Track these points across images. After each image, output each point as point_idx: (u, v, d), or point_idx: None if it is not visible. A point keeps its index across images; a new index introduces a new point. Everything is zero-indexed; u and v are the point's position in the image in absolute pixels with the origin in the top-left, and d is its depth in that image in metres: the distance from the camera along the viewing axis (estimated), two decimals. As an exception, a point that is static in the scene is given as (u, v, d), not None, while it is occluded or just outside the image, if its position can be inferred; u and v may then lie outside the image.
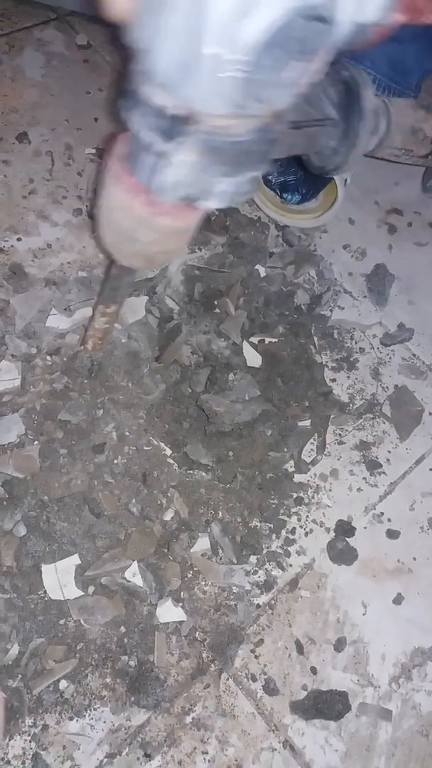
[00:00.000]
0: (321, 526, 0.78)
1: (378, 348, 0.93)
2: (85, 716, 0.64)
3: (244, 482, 0.78)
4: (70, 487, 0.73)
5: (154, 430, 0.79)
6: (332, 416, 0.85)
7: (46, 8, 1.14)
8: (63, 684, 0.64)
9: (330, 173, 0.61)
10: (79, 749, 0.62)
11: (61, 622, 0.67)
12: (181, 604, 0.70)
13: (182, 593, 0.71)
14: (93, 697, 0.65)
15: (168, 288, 0.89)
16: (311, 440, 0.83)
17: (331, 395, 0.87)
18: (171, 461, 0.78)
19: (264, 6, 0.34)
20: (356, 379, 0.89)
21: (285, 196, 0.99)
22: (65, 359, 0.81)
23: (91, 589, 0.69)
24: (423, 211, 1.08)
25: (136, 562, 0.70)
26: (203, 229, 0.97)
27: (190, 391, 0.82)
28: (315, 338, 0.91)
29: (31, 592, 0.68)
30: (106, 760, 0.63)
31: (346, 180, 0.96)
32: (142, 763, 0.63)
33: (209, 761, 0.64)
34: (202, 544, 0.73)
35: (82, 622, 0.67)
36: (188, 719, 0.66)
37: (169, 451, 0.78)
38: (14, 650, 0.65)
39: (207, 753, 0.64)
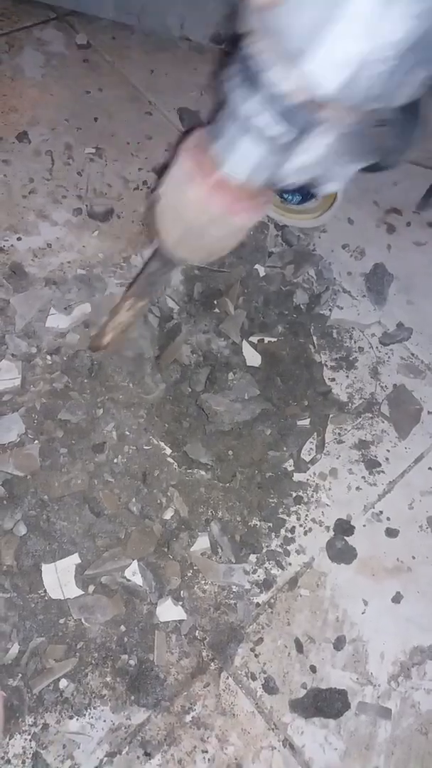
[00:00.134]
0: (320, 525, 0.78)
1: (377, 347, 0.93)
2: (85, 715, 0.64)
3: (243, 481, 0.78)
4: (70, 486, 0.73)
5: (154, 430, 0.79)
6: (331, 415, 0.85)
7: (46, 8, 1.15)
8: (63, 683, 0.65)
9: (381, 170, 0.62)
10: (79, 748, 0.63)
11: (62, 621, 0.67)
12: (180, 603, 0.70)
13: (182, 592, 0.71)
14: (93, 696, 0.65)
15: (168, 288, 0.89)
16: (310, 439, 0.83)
17: (330, 394, 0.87)
18: (171, 460, 0.78)
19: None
20: (355, 378, 0.90)
21: (285, 196, 0.99)
22: (65, 358, 0.81)
23: (91, 588, 0.69)
24: (421, 211, 1.08)
25: (136, 561, 0.70)
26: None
27: (189, 390, 0.82)
28: (314, 338, 0.91)
29: (32, 591, 0.68)
30: (106, 758, 0.63)
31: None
32: (142, 761, 0.63)
33: (209, 760, 0.64)
34: (202, 543, 0.74)
35: (82, 621, 0.67)
36: (188, 718, 0.66)
37: (168, 451, 0.78)
38: (14, 649, 0.65)
39: (207, 752, 0.65)
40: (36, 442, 0.75)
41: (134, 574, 0.70)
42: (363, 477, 0.83)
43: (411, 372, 0.92)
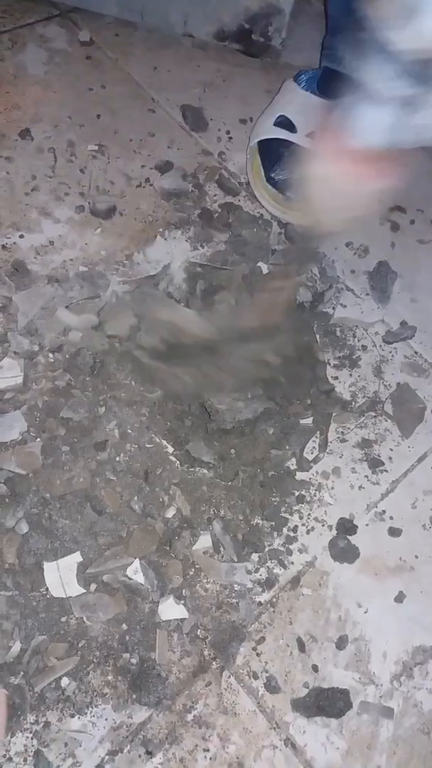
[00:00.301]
0: (323, 524, 0.78)
1: (380, 346, 0.93)
2: (86, 713, 0.64)
3: (245, 480, 0.78)
4: (72, 485, 0.73)
5: (156, 428, 0.79)
6: (334, 414, 0.85)
7: (48, 4, 1.14)
8: (65, 681, 0.65)
9: None
10: (80, 746, 0.63)
11: (63, 619, 0.67)
12: (182, 601, 0.70)
13: (184, 591, 0.71)
14: (94, 694, 0.65)
15: (171, 285, 0.89)
16: (313, 438, 0.83)
17: (333, 393, 0.87)
18: (173, 459, 0.78)
19: None
20: (358, 376, 0.89)
21: (288, 194, 0.99)
22: (67, 356, 0.81)
23: (92, 586, 0.69)
24: (426, 209, 1.08)
25: (137, 559, 0.70)
26: (206, 226, 0.97)
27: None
28: (317, 336, 0.91)
29: (33, 589, 0.68)
30: (107, 757, 0.63)
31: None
32: (144, 760, 0.63)
33: (210, 759, 0.64)
34: (204, 541, 0.73)
35: (83, 619, 0.67)
36: (190, 717, 0.66)
37: (171, 449, 0.78)
38: (16, 647, 0.65)
39: (208, 751, 0.65)
40: (38, 440, 0.75)
41: (136, 573, 0.70)
42: (366, 476, 0.82)
43: (415, 371, 0.91)
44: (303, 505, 0.79)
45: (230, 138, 1.09)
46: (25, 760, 0.61)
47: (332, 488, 0.81)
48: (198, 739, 0.65)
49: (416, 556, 0.78)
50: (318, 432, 0.84)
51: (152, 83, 1.11)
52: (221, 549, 0.74)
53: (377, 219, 1.05)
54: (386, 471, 0.83)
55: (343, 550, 0.76)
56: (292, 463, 0.81)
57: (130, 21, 1.16)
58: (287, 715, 0.67)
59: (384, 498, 0.81)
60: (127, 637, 0.68)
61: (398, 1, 0.42)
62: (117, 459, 0.76)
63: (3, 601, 0.67)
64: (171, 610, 0.69)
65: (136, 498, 0.74)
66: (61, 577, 0.68)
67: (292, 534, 0.77)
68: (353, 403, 0.87)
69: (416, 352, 0.93)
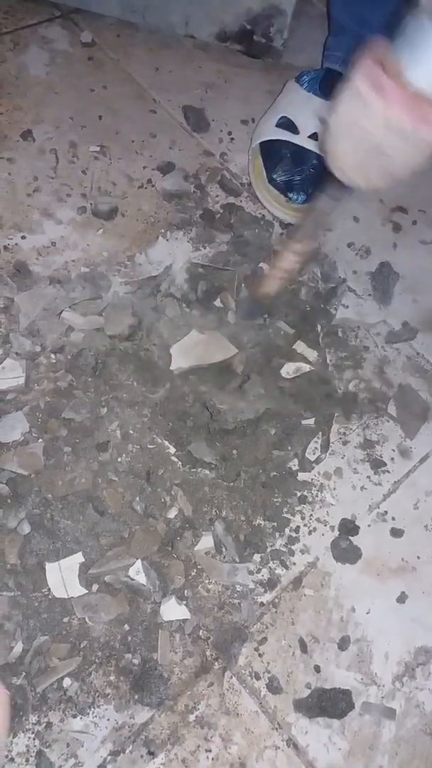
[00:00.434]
0: (325, 525, 0.78)
1: (382, 346, 0.93)
2: (88, 714, 0.64)
3: (247, 480, 0.78)
4: (74, 485, 0.73)
5: (158, 428, 0.79)
6: (336, 415, 0.85)
7: (50, 5, 1.15)
8: (67, 682, 0.65)
9: None
10: (82, 747, 0.63)
11: (65, 619, 0.67)
12: (184, 602, 0.70)
13: (186, 591, 0.71)
14: (97, 694, 0.65)
15: (172, 286, 0.89)
16: (315, 439, 0.83)
17: (335, 394, 0.87)
18: (175, 459, 0.78)
19: None
20: (360, 377, 0.89)
21: (290, 195, 0.99)
22: (69, 357, 0.81)
23: (94, 587, 0.69)
24: (428, 209, 1.08)
25: (139, 560, 0.70)
26: (207, 227, 0.97)
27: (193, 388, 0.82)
28: (320, 336, 0.91)
29: (35, 590, 0.68)
30: (109, 757, 0.63)
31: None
32: (146, 760, 0.63)
33: (213, 759, 0.64)
34: (206, 542, 0.73)
35: (86, 619, 0.67)
36: (192, 717, 0.66)
37: (173, 450, 0.78)
38: (18, 648, 0.65)
39: (210, 751, 0.64)
40: (40, 440, 0.75)
41: (138, 573, 0.70)
42: (368, 477, 0.82)
43: (417, 371, 0.91)
44: (305, 506, 0.79)
45: (232, 139, 1.09)
46: (27, 760, 0.61)
47: (334, 489, 0.81)
48: (200, 739, 0.65)
49: (418, 557, 0.78)
50: (320, 433, 0.84)
51: (154, 84, 1.11)
52: (223, 549, 0.74)
53: (379, 220, 1.05)
54: (388, 471, 0.83)
55: (345, 550, 0.76)
56: (294, 464, 0.81)
57: (131, 22, 1.16)
58: (289, 715, 0.67)
59: (386, 499, 0.81)
60: (129, 638, 0.68)
61: None
62: (119, 460, 0.76)
63: (5, 601, 0.67)
64: (173, 610, 0.69)
65: (138, 498, 0.74)
66: (63, 577, 0.68)
67: (294, 535, 0.77)
68: (355, 403, 0.87)
69: (418, 353, 0.93)
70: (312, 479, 0.81)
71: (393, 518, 0.80)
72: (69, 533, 0.70)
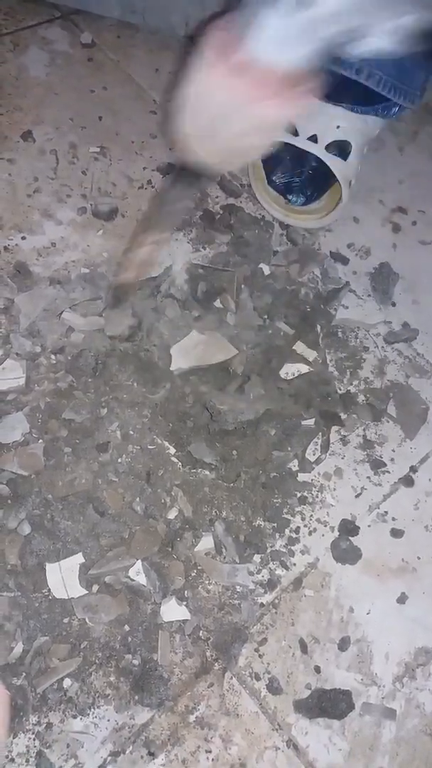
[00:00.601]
0: (325, 525, 0.78)
1: (382, 347, 0.93)
2: (88, 714, 0.64)
3: (248, 481, 0.78)
4: (74, 486, 0.73)
5: (158, 429, 0.79)
6: (336, 415, 0.85)
7: (50, 6, 1.15)
8: (67, 682, 0.65)
9: None
10: (82, 747, 0.63)
11: (65, 620, 0.67)
12: (184, 603, 0.70)
13: (186, 592, 0.71)
14: (97, 695, 0.65)
15: (172, 287, 0.89)
16: (315, 439, 0.83)
17: (334, 394, 0.87)
18: (175, 460, 0.78)
19: None
20: (360, 378, 0.89)
21: (289, 197, 0.99)
22: (69, 358, 0.81)
23: (95, 587, 0.69)
24: (427, 210, 1.08)
25: (140, 560, 0.70)
26: (207, 228, 0.97)
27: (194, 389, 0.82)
28: (320, 337, 0.91)
29: (36, 590, 0.68)
30: (109, 758, 0.63)
31: (350, 182, 0.96)
32: (146, 761, 0.63)
33: (213, 760, 0.64)
34: (206, 543, 0.73)
35: (86, 620, 0.67)
36: (192, 718, 0.66)
37: (173, 450, 0.78)
38: (18, 648, 0.65)
39: (210, 752, 0.64)
40: (40, 441, 0.75)
41: (138, 574, 0.70)
42: (368, 477, 0.82)
43: (417, 372, 0.91)
44: (305, 507, 0.79)
45: (232, 139, 1.09)
46: (27, 761, 0.61)
47: (334, 489, 0.81)
48: (200, 740, 0.65)
49: (418, 557, 0.78)
50: (320, 433, 0.84)
51: (154, 85, 1.11)
52: (223, 550, 0.74)
53: (379, 220, 1.05)
54: (388, 472, 0.83)
55: (345, 551, 0.76)
56: (294, 465, 0.81)
57: (131, 23, 1.16)
58: (289, 716, 0.67)
59: (386, 499, 0.81)
60: (129, 639, 0.68)
61: None
62: (119, 460, 0.76)
63: (5, 602, 0.67)
64: (173, 611, 0.69)
65: (138, 499, 0.74)
66: (63, 578, 0.68)
67: (294, 535, 0.77)
68: (355, 404, 0.87)
69: (418, 353, 0.93)
70: (312, 480, 0.81)
71: (393, 518, 0.80)
72: (69, 534, 0.70)
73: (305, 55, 0.43)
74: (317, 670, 0.70)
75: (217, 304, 0.89)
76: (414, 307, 0.97)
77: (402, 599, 0.75)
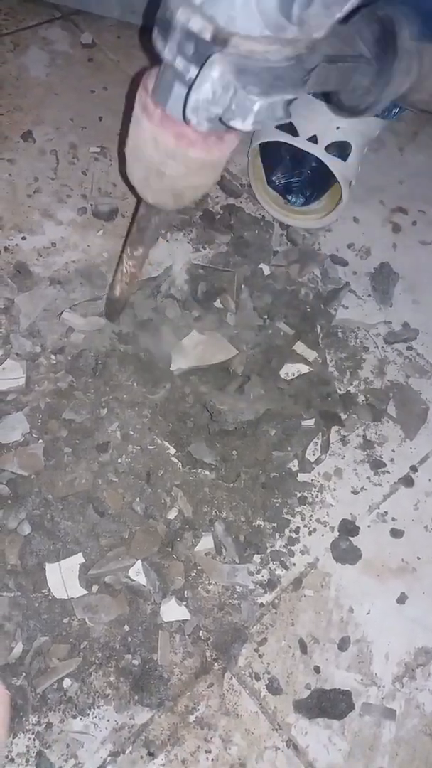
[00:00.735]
0: (325, 526, 0.78)
1: (382, 347, 0.93)
2: (88, 715, 0.64)
3: (247, 481, 0.78)
4: (74, 486, 0.73)
5: (158, 429, 0.79)
6: (336, 415, 0.85)
7: (51, 7, 1.15)
8: (67, 682, 0.65)
9: (362, 113, 0.60)
10: (82, 747, 0.63)
11: (65, 620, 0.67)
12: (184, 603, 0.70)
13: (186, 592, 0.71)
14: (97, 695, 0.65)
15: (172, 287, 0.89)
16: (315, 439, 0.83)
17: (334, 394, 0.87)
18: (175, 460, 0.78)
19: None
20: (360, 378, 0.89)
21: (289, 197, 0.99)
22: (70, 358, 0.81)
23: (94, 587, 0.69)
24: (428, 210, 1.08)
25: (139, 560, 0.70)
26: (207, 228, 0.97)
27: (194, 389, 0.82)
28: (320, 337, 0.91)
29: (35, 590, 0.68)
30: (109, 758, 0.63)
31: (350, 182, 0.96)
32: (146, 761, 0.63)
33: (213, 760, 0.64)
34: (206, 543, 0.73)
35: (86, 620, 0.67)
36: (192, 718, 0.66)
37: (172, 450, 0.78)
38: (18, 648, 0.65)
39: (210, 752, 0.65)
40: (40, 441, 0.75)
41: (138, 574, 0.70)
42: (368, 477, 0.82)
43: (417, 372, 0.91)
44: (305, 507, 0.79)
45: (232, 140, 1.09)
46: (27, 761, 0.61)
47: (334, 489, 0.81)
48: (200, 740, 0.65)
49: (418, 558, 0.78)
50: (320, 433, 0.84)
51: (154, 85, 1.11)
52: (223, 550, 0.74)
53: (379, 220, 1.06)
54: (388, 472, 0.83)
55: (345, 551, 0.76)
56: (294, 465, 0.81)
57: (131, 23, 1.16)
58: (289, 716, 0.67)
59: (386, 499, 0.81)
60: (129, 639, 0.68)
61: None
62: (119, 460, 0.76)
63: (5, 602, 0.67)
64: (173, 611, 0.69)
65: (138, 499, 0.74)
66: (63, 578, 0.68)
67: (294, 535, 0.77)
68: (355, 404, 0.87)
69: (419, 354, 0.93)
70: (312, 480, 0.81)
71: (393, 519, 0.80)
72: (69, 534, 0.70)
73: (210, 121, 0.47)
74: (317, 670, 0.70)
75: (217, 304, 0.90)
76: (414, 308, 0.97)
77: (402, 599, 0.75)
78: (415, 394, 0.89)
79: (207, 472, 0.78)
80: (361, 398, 0.88)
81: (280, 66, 0.44)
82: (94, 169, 0.99)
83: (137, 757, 0.63)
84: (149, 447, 0.78)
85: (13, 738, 0.62)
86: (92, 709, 0.64)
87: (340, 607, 0.74)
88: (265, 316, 0.90)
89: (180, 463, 0.78)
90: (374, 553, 0.78)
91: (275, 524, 0.77)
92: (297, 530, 0.77)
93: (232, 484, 0.77)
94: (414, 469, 0.84)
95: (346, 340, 0.92)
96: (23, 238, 0.90)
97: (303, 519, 0.78)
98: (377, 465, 0.83)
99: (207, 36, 0.42)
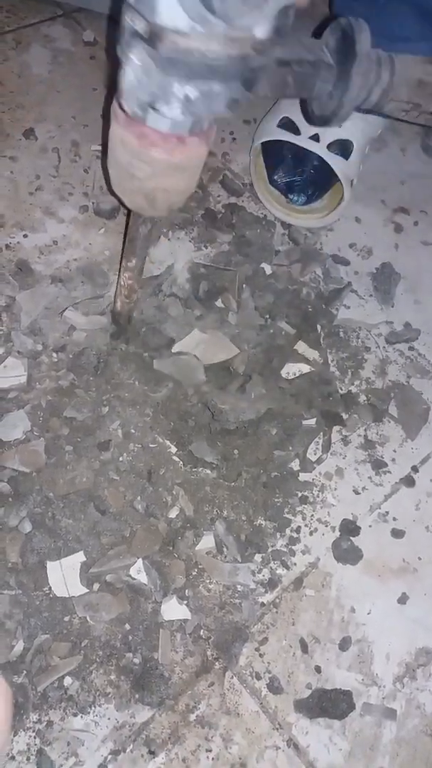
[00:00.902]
0: (326, 525, 0.78)
1: (384, 347, 0.93)
2: (89, 713, 0.64)
3: (249, 480, 0.78)
4: (75, 484, 0.73)
5: (160, 428, 0.79)
6: (338, 415, 0.85)
7: (52, 4, 1.15)
8: (67, 680, 0.65)
9: (329, 121, 0.61)
10: (83, 745, 0.63)
11: (66, 618, 0.67)
12: (185, 601, 0.70)
13: (187, 591, 0.71)
14: (97, 693, 0.65)
15: (174, 286, 0.89)
16: (316, 439, 0.83)
17: (336, 394, 0.87)
18: (176, 459, 0.78)
19: None
20: (362, 378, 0.89)
21: (291, 196, 0.99)
22: (71, 356, 0.81)
23: (95, 586, 0.69)
24: (430, 211, 1.08)
25: (140, 559, 0.70)
26: (209, 227, 0.97)
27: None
28: (321, 337, 0.91)
29: (36, 588, 0.68)
30: (110, 756, 0.63)
31: (352, 181, 0.96)
32: (146, 760, 0.63)
33: (213, 759, 0.64)
34: (207, 542, 0.73)
35: (87, 618, 0.67)
36: (192, 717, 0.66)
37: (174, 449, 0.78)
38: (19, 646, 0.65)
39: (211, 751, 0.64)
40: (41, 439, 0.75)
41: (139, 573, 0.70)
42: (369, 477, 0.82)
43: (418, 372, 0.91)
44: (306, 506, 0.79)
45: (234, 138, 1.09)
46: (27, 759, 0.61)
47: (335, 489, 0.81)
48: (200, 739, 0.65)
49: (419, 558, 0.78)
50: (321, 433, 0.84)
51: (156, 84, 1.11)
52: (224, 549, 0.74)
53: (381, 220, 1.06)
54: (389, 472, 0.83)
55: (346, 551, 0.76)
56: (295, 464, 0.81)
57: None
58: (290, 715, 0.67)
59: (387, 499, 0.81)
60: (130, 637, 0.68)
61: None
62: (120, 459, 0.76)
63: (6, 600, 0.66)
64: (174, 610, 0.69)
65: (139, 498, 0.74)
66: (64, 576, 0.68)
67: (295, 535, 0.77)
68: (356, 404, 0.87)
69: (420, 354, 0.93)
70: (313, 479, 0.81)
71: (394, 519, 0.80)
72: (70, 532, 0.70)
73: (141, 108, 0.50)
74: (318, 669, 0.70)
75: (219, 303, 0.90)
76: (416, 308, 0.97)
77: (403, 599, 0.75)
78: (417, 394, 0.89)
79: (208, 471, 0.78)
80: (362, 398, 0.88)
81: (217, 61, 0.45)
82: (95, 167, 0.99)
83: (138, 756, 0.63)
84: (150, 445, 0.78)
85: (14, 736, 0.62)
86: (93, 708, 0.64)
87: (341, 607, 0.74)
88: (267, 316, 0.90)
89: (181, 462, 0.78)
90: (375, 553, 0.78)
91: (276, 524, 0.76)
92: (298, 530, 0.77)
93: (233, 483, 0.77)
94: (415, 469, 0.84)
95: (348, 340, 0.92)
96: (25, 236, 0.90)
97: (304, 518, 0.78)
98: (378, 465, 0.83)
99: (144, 33, 0.44)
